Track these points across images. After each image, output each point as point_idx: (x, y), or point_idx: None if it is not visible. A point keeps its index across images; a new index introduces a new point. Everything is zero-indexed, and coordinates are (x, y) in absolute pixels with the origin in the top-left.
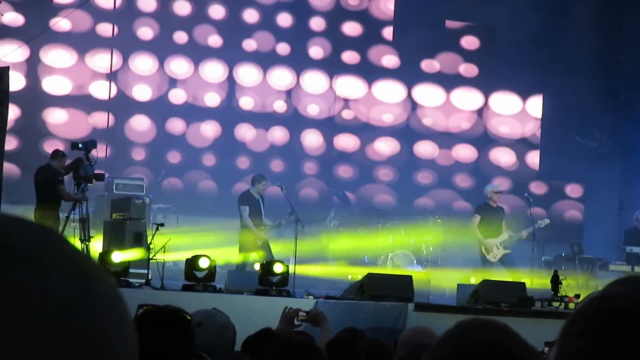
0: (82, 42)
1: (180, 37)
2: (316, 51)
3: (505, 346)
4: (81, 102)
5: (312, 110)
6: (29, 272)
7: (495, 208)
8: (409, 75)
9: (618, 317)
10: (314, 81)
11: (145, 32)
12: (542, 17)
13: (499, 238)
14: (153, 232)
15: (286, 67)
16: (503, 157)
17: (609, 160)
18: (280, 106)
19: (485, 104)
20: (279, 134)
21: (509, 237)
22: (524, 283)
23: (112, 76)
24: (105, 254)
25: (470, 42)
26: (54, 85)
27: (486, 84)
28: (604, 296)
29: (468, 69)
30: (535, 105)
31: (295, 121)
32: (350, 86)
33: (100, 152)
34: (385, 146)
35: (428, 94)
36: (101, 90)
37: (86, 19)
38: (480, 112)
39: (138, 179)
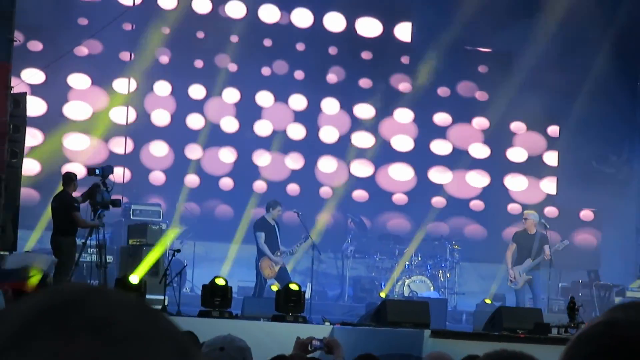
0: (102, 68)
1: (198, 62)
2: (332, 77)
3: None
4: (100, 127)
5: (329, 135)
6: (135, 347)
7: (530, 235)
8: (425, 101)
9: (624, 343)
10: (330, 107)
11: (163, 57)
12: (559, 42)
13: (523, 265)
14: (170, 258)
15: (303, 93)
16: (519, 182)
17: (625, 186)
18: (296, 132)
19: (501, 129)
20: (295, 160)
21: (532, 262)
22: (540, 309)
23: (130, 102)
24: (123, 277)
25: (486, 67)
26: (74, 110)
27: (502, 110)
28: (609, 322)
29: (483, 95)
30: (552, 130)
31: (311, 147)
32: (366, 112)
33: (118, 177)
34: (401, 172)
35: (443, 120)
36: (120, 115)
37: (105, 44)
38: (496, 138)
39: (155, 204)
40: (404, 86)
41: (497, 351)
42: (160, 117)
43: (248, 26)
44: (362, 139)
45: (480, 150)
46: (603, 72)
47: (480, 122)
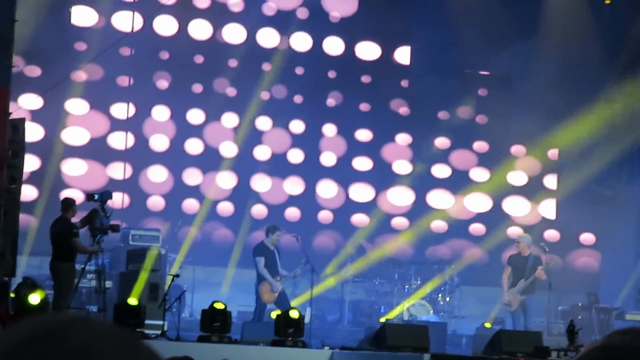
0: (100, 93)
1: (197, 87)
2: (331, 101)
3: None
4: (99, 152)
5: (327, 159)
6: None
7: (524, 257)
8: (425, 124)
9: None
10: (329, 131)
11: (162, 82)
12: (558, 64)
13: (516, 287)
14: (169, 283)
15: (301, 117)
16: (518, 205)
17: (624, 209)
18: (295, 156)
19: (501, 152)
20: (294, 184)
21: (525, 283)
22: (540, 332)
23: (129, 126)
24: (122, 302)
25: (486, 90)
26: (73, 135)
27: (502, 133)
28: (605, 347)
29: (483, 118)
30: (552, 153)
31: (310, 170)
32: (365, 136)
33: (117, 203)
34: (400, 195)
35: (443, 144)
36: (118, 140)
37: (104, 70)
38: (496, 162)
39: (154, 229)
40: (403, 110)
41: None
42: (159, 142)
43: (247, 51)
44: (362, 163)
45: (480, 174)
46: (602, 95)
47: (480, 146)
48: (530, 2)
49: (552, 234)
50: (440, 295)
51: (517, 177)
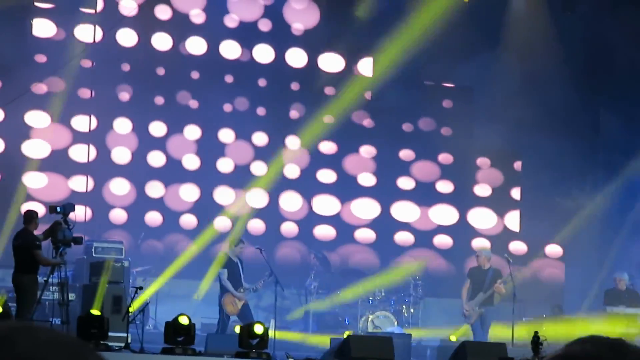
0: (61, 104)
1: (159, 99)
2: (294, 113)
3: None
4: (60, 165)
5: (291, 171)
6: None
7: (484, 270)
8: (389, 137)
9: None
10: (292, 144)
11: (123, 95)
12: (520, 77)
13: (475, 299)
14: (132, 295)
15: (264, 130)
16: (483, 217)
17: (588, 220)
18: (258, 168)
19: (466, 165)
20: (258, 196)
21: (483, 296)
22: (504, 344)
23: (91, 139)
24: (85, 314)
25: (450, 102)
26: (34, 148)
27: (466, 146)
28: (566, 356)
29: (447, 130)
30: (516, 165)
31: (274, 181)
32: (328, 148)
33: (79, 216)
34: (365, 207)
35: (407, 156)
36: (80, 153)
37: (65, 82)
38: (460, 174)
39: (117, 242)
40: (367, 122)
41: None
42: (121, 155)
43: (209, 62)
44: (326, 175)
45: (444, 186)
46: (564, 107)
47: (445, 158)
48: (492, 14)
49: (517, 246)
50: (404, 306)
51: (481, 189)
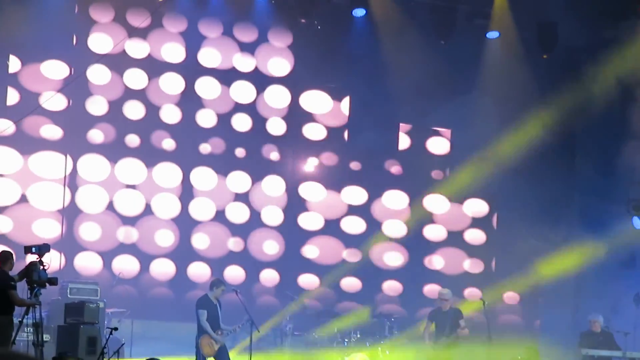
0: (31, 146)
1: (133, 139)
2: (275, 155)
3: None
4: (31, 209)
5: (270, 214)
6: None
7: (445, 312)
8: (371, 177)
9: None
10: (271, 184)
11: (97, 135)
12: (497, 121)
13: (438, 343)
14: (107, 337)
15: (243, 171)
16: (458, 260)
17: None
18: (236, 211)
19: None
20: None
21: (446, 340)
22: None
23: (65, 182)
24: (59, 355)
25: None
26: (3, 191)
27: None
28: None
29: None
30: (490, 206)
31: (252, 225)
32: (309, 191)
33: (54, 261)
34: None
35: (393, 199)
36: (54, 197)
37: (37, 121)
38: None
39: (92, 283)
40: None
41: None
42: (94, 199)
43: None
44: (309, 219)
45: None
46: (540, 149)
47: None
48: (468, 58)
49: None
50: (380, 348)
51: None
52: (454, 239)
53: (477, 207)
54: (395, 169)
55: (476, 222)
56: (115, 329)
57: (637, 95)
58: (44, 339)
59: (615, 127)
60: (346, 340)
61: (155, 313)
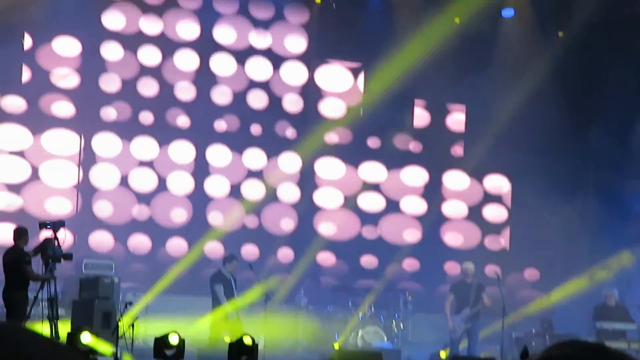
0: (44, 124)
1: (147, 117)
2: (291, 132)
3: None
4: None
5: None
6: None
7: (469, 284)
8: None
9: None
10: (288, 162)
11: (111, 112)
12: (512, 99)
13: (461, 314)
14: (122, 311)
15: (259, 148)
16: (471, 234)
17: (578, 238)
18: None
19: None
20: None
21: (470, 311)
22: (494, 358)
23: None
24: (74, 335)
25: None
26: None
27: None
28: (547, 358)
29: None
30: (504, 182)
31: (266, 202)
32: (330, 167)
33: (68, 238)
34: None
35: (412, 175)
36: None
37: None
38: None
39: (107, 258)
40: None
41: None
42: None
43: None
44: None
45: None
46: (555, 124)
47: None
48: (484, 35)
49: (504, 262)
50: (394, 322)
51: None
52: (472, 215)
53: (494, 182)
54: (412, 145)
55: (493, 198)
56: (130, 303)
57: None
58: (59, 314)
59: (630, 102)
60: (360, 314)
61: (170, 287)
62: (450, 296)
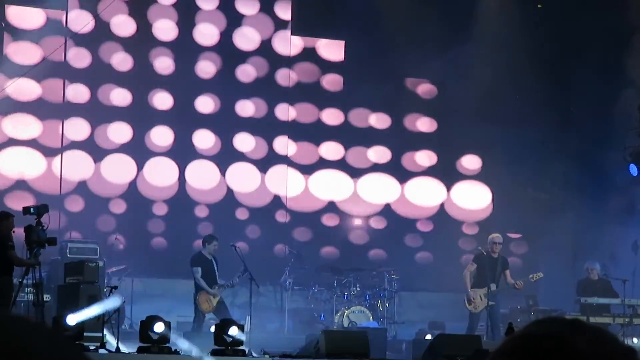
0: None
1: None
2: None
3: None
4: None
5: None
6: None
7: (494, 258)
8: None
9: (539, 356)
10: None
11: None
12: (493, 72)
13: (484, 289)
14: (107, 295)
15: (249, 132)
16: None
17: (561, 212)
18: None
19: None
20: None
21: (495, 289)
22: (479, 336)
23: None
24: (59, 318)
25: (425, 94)
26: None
27: (440, 139)
28: (525, 335)
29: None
30: (487, 157)
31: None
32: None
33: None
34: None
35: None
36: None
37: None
38: (434, 171)
39: (91, 242)
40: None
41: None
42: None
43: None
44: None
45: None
46: (535, 99)
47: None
48: (462, 8)
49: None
50: (379, 301)
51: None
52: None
53: (470, 161)
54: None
55: (471, 176)
56: (115, 287)
57: (633, 42)
58: (44, 299)
59: (611, 74)
60: (346, 293)
61: (154, 270)
62: (473, 266)
